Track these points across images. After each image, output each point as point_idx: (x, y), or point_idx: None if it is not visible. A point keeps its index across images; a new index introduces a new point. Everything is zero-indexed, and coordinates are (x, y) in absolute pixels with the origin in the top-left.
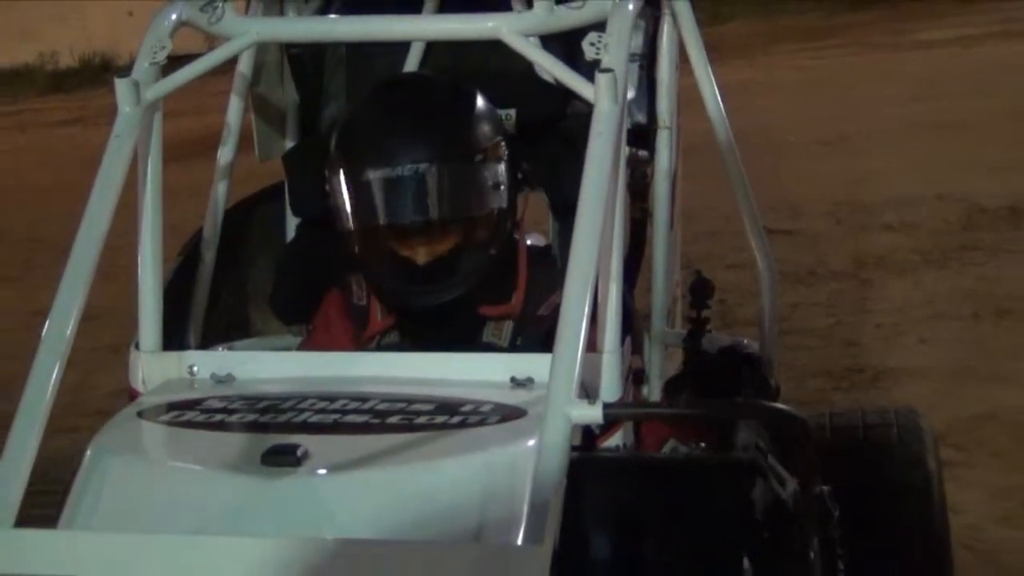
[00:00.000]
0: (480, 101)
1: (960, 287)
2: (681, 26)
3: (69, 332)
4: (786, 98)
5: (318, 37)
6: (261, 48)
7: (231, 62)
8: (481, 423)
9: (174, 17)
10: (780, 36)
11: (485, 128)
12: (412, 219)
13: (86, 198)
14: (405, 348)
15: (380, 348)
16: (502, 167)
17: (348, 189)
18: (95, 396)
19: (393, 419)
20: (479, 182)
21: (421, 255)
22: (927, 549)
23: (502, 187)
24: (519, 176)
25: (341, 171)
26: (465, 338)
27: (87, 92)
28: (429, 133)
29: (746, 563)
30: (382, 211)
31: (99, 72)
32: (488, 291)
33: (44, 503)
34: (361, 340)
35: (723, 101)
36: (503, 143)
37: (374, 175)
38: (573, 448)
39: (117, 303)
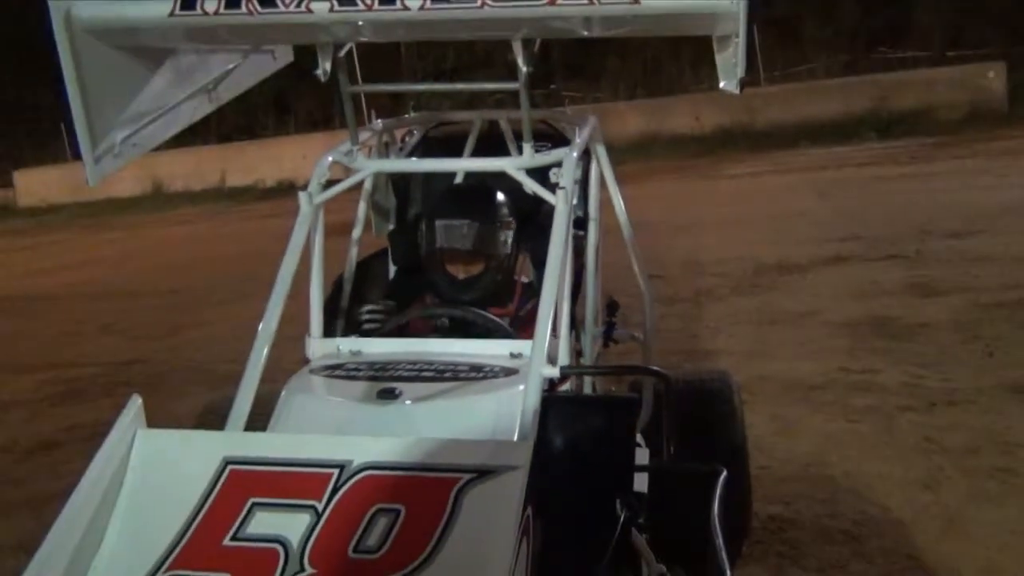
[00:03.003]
0: (503, 199)
1: (751, 307)
2: (601, 165)
3: (272, 327)
4: (659, 204)
5: (408, 169)
6: (377, 174)
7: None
8: (495, 376)
9: (330, 159)
10: (655, 171)
11: (503, 211)
12: (457, 247)
13: (271, 263)
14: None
15: (437, 328)
16: (510, 233)
17: (427, 231)
18: (285, 365)
19: (447, 373)
20: (496, 237)
21: (460, 272)
22: (733, 447)
23: (509, 243)
24: (519, 244)
25: (425, 222)
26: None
27: (280, 200)
28: (473, 206)
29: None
30: (443, 241)
31: (288, 189)
32: (496, 300)
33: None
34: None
35: (625, 205)
36: (513, 223)
37: (441, 223)
38: (544, 391)
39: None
